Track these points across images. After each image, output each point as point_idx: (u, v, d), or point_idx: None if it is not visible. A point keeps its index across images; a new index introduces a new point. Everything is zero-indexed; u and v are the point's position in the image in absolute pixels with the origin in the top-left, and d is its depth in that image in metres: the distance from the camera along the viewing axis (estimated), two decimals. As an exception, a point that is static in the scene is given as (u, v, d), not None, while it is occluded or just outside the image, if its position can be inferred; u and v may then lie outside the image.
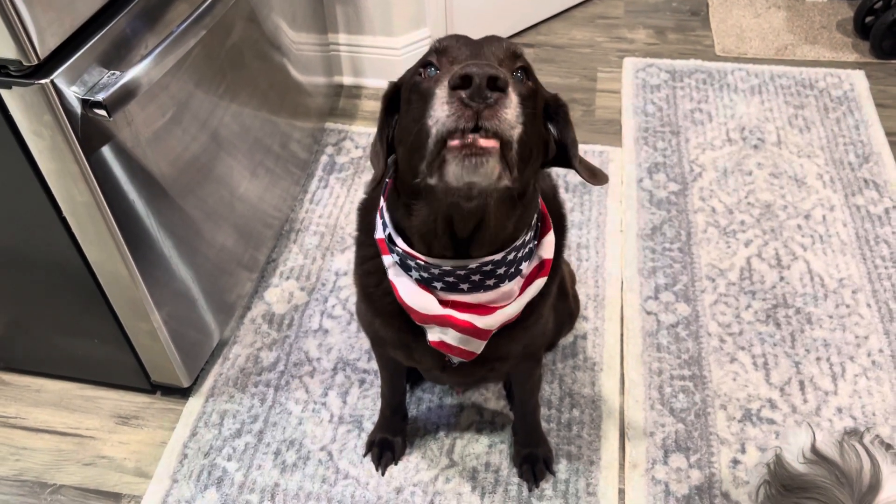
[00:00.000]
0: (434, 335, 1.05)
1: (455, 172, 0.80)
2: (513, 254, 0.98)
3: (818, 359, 1.63)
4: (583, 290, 1.76)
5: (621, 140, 2.15)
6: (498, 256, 0.96)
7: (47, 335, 1.53)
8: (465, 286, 0.99)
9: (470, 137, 0.77)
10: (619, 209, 1.96)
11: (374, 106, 2.28)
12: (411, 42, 2.25)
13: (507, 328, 1.07)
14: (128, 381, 1.59)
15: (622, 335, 1.69)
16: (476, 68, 0.75)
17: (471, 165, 0.78)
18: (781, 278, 1.79)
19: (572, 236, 1.88)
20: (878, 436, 1.10)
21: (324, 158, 2.12)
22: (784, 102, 2.25)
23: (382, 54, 2.27)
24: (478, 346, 1.05)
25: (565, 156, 0.99)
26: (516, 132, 0.80)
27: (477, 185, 0.82)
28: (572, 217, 1.93)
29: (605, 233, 1.90)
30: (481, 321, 1.01)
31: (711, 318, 1.71)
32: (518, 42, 2.50)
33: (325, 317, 1.73)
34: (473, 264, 0.96)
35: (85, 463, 1.51)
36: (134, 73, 1.15)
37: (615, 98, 2.30)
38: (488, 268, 0.97)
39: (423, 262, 0.97)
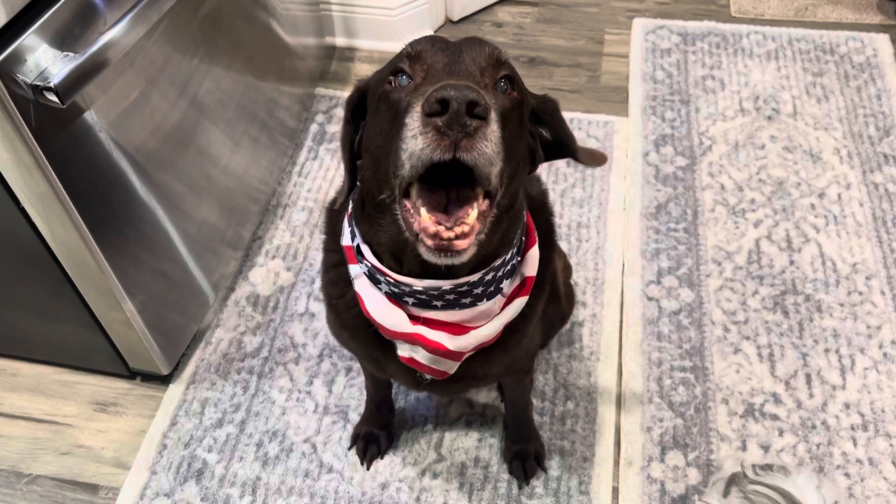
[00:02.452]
0: (404, 351, 0.98)
1: (427, 256, 0.78)
2: (491, 274, 0.90)
3: (826, 350, 1.55)
4: (581, 274, 1.68)
5: (627, 109, 2.03)
6: (474, 277, 0.88)
7: (21, 319, 1.47)
8: (438, 303, 0.91)
9: (444, 237, 0.75)
10: (623, 185, 1.86)
11: (368, 70, 2.15)
12: (408, 1, 2.12)
13: (485, 350, 0.99)
14: (106, 367, 1.54)
15: (621, 322, 1.61)
16: (454, 91, 0.66)
17: (445, 257, 0.77)
18: (791, 262, 1.70)
19: (572, 215, 1.79)
20: (753, 465, 1.08)
21: (313, 127, 2.01)
22: (802, 69, 2.12)
23: (377, 14, 2.15)
24: (450, 367, 0.98)
25: (562, 151, 0.94)
26: (495, 169, 0.72)
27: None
28: (573, 193, 1.84)
29: (606, 211, 1.80)
30: (453, 342, 0.93)
31: (716, 304, 1.63)
32: (521, 0, 2.36)
33: (312, 300, 1.66)
34: (447, 285, 0.88)
35: (62, 452, 1.46)
36: (90, 53, 1.05)
37: (623, 63, 2.17)
38: (464, 288, 0.89)
39: (392, 280, 0.89)
